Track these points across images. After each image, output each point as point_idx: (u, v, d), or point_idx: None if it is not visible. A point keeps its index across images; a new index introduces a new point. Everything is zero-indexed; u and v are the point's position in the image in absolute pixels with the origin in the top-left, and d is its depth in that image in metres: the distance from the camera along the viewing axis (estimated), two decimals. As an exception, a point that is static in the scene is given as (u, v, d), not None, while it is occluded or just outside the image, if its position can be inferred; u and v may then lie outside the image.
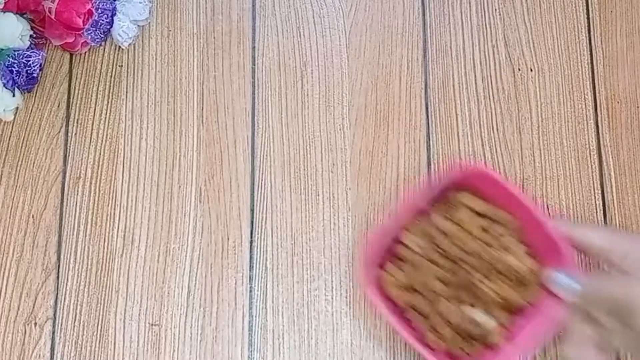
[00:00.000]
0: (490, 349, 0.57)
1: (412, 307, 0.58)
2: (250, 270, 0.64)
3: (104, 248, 0.64)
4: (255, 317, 0.62)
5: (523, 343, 0.57)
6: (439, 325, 0.57)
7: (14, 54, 0.63)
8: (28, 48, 0.64)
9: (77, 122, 0.67)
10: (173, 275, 0.63)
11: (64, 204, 0.65)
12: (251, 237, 0.64)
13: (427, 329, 0.58)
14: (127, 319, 0.62)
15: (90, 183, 0.65)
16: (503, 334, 0.57)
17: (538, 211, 0.58)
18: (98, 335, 0.62)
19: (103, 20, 0.65)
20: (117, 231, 0.64)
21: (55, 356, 0.61)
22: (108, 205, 0.65)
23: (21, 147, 0.66)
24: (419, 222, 0.59)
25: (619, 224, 0.65)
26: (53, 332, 0.62)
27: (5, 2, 0.62)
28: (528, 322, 0.57)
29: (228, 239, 0.64)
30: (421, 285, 0.58)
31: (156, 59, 0.69)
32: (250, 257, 0.64)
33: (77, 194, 0.65)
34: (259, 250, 0.64)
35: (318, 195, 0.65)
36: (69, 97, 0.68)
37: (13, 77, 0.64)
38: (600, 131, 0.68)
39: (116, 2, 0.67)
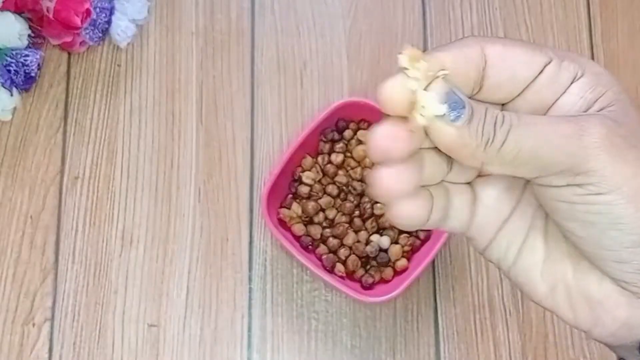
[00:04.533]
0: (394, 270, 0.62)
1: (321, 240, 0.62)
2: (249, 271, 0.63)
3: (102, 248, 0.64)
4: (255, 317, 0.62)
5: (421, 261, 0.60)
6: (343, 254, 0.61)
7: (12, 53, 0.63)
8: (26, 47, 0.64)
9: (76, 122, 0.67)
10: (172, 275, 0.63)
11: (62, 204, 0.65)
12: (250, 238, 0.64)
13: (336, 261, 0.62)
14: (125, 320, 0.62)
15: (89, 183, 0.65)
16: (404, 255, 0.62)
17: None
18: (96, 336, 0.61)
19: (101, 20, 0.65)
20: (116, 231, 0.64)
21: (53, 357, 0.61)
22: (106, 205, 0.65)
23: (19, 147, 0.66)
24: (313, 159, 0.64)
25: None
26: (51, 333, 0.62)
27: (3, 1, 0.62)
28: (423, 242, 0.62)
29: (227, 239, 0.64)
30: (320, 217, 0.63)
31: (155, 58, 0.68)
32: (250, 257, 0.64)
33: (76, 194, 0.65)
34: (258, 250, 0.64)
35: (318, 195, 0.65)
36: (67, 97, 0.67)
37: (11, 77, 0.63)
38: (600, 131, 0.68)
39: (114, 1, 0.67)
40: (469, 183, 0.31)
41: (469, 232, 0.31)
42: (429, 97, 0.26)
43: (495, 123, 0.26)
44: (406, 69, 0.26)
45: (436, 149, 0.28)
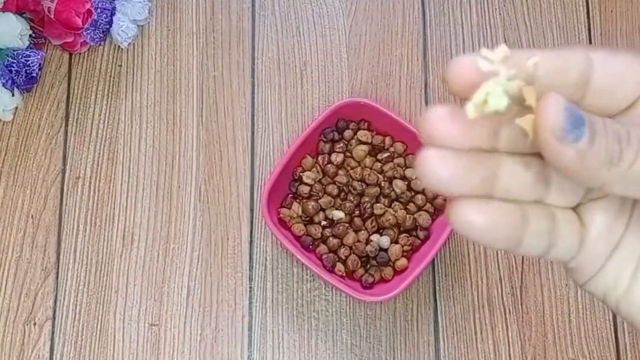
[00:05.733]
0: (394, 270, 0.62)
1: (321, 240, 0.63)
2: (249, 270, 0.64)
3: (103, 248, 0.64)
4: (255, 317, 0.62)
5: (421, 261, 0.60)
6: (343, 254, 0.62)
7: (13, 54, 0.63)
8: (27, 48, 0.64)
9: (77, 122, 0.67)
10: (172, 275, 0.63)
11: (63, 203, 0.65)
12: (251, 237, 0.64)
13: (336, 261, 0.62)
14: (126, 319, 0.62)
15: (90, 183, 0.65)
16: (404, 254, 0.62)
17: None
18: (97, 336, 0.62)
19: (102, 20, 0.65)
20: (117, 231, 0.64)
21: (54, 356, 0.61)
22: (107, 205, 0.65)
23: (20, 147, 0.66)
24: (313, 159, 0.64)
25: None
26: (52, 332, 0.62)
27: (4, 2, 0.62)
28: (423, 242, 0.63)
29: (228, 238, 0.64)
30: (320, 216, 0.63)
31: (155, 58, 0.69)
32: (250, 257, 0.64)
33: (77, 194, 0.65)
34: (258, 250, 0.64)
35: (318, 195, 0.65)
36: (68, 97, 0.68)
37: (12, 77, 0.63)
38: (600, 131, 0.68)
39: (115, 1, 0.67)
40: (573, 208, 0.27)
41: (573, 263, 0.27)
42: (493, 87, 0.23)
43: (620, 140, 0.23)
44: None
45: (523, 159, 0.25)
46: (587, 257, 0.27)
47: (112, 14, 0.66)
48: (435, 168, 0.24)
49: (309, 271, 0.63)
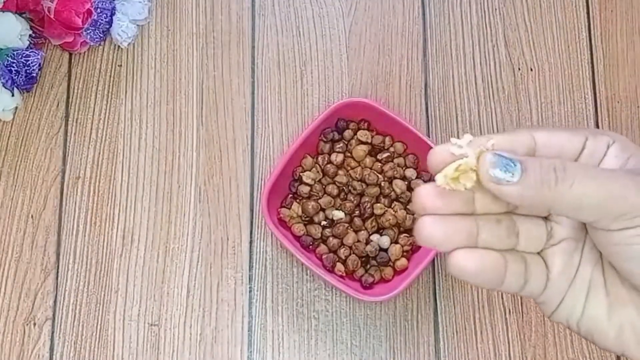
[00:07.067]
0: (394, 270, 0.62)
1: (321, 240, 0.63)
2: (249, 270, 0.64)
3: (103, 248, 0.64)
4: (255, 317, 0.62)
5: (421, 261, 0.60)
6: (343, 254, 0.61)
7: (13, 54, 0.63)
8: (27, 47, 0.64)
9: (77, 122, 0.67)
10: (172, 275, 0.63)
11: (63, 203, 0.65)
12: (251, 237, 0.64)
13: (336, 261, 0.62)
14: (126, 319, 0.62)
15: (90, 183, 0.65)
16: (404, 254, 0.62)
17: (423, 135, 0.63)
18: (97, 336, 0.62)
19: (102, 20, 0.65)
20: (117, 231, 0.64)
21: (54, 356, 0.61)
22: (107, 205, 0.65)
23: (20, 146, 0.66)
24: (313, 159, 0.64)
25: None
26: (52, 332, 0.62)
27: (4, 2, 0.62)
28: None
29: (227, 239, 0.64)
30: (320, 216, 0.63)
31: (155, 58, 0.69)
32: (250, 257, 0.64)
33: (77, 194, 0.65)
34: (258, 250, 0.64)
35: (318, 195, 0.65)
36: (68, 97, 0.68)
37: (12, 77, 0.63)
38: (600, 131, 0.68)
39: (115, 1, 0.67)
40: (538, 253, 0.34)
41: (541, 298, 0.34)
42: (464, 167, 0.31)
43: (555, 170, 0.30)
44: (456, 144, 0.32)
45: (495, 217, 0.33)
46: (552, 291, 0.34)
47: (112, 14, 0.66)
48: (429, 231, 0.32)
49: (309, 271, 0.63)
